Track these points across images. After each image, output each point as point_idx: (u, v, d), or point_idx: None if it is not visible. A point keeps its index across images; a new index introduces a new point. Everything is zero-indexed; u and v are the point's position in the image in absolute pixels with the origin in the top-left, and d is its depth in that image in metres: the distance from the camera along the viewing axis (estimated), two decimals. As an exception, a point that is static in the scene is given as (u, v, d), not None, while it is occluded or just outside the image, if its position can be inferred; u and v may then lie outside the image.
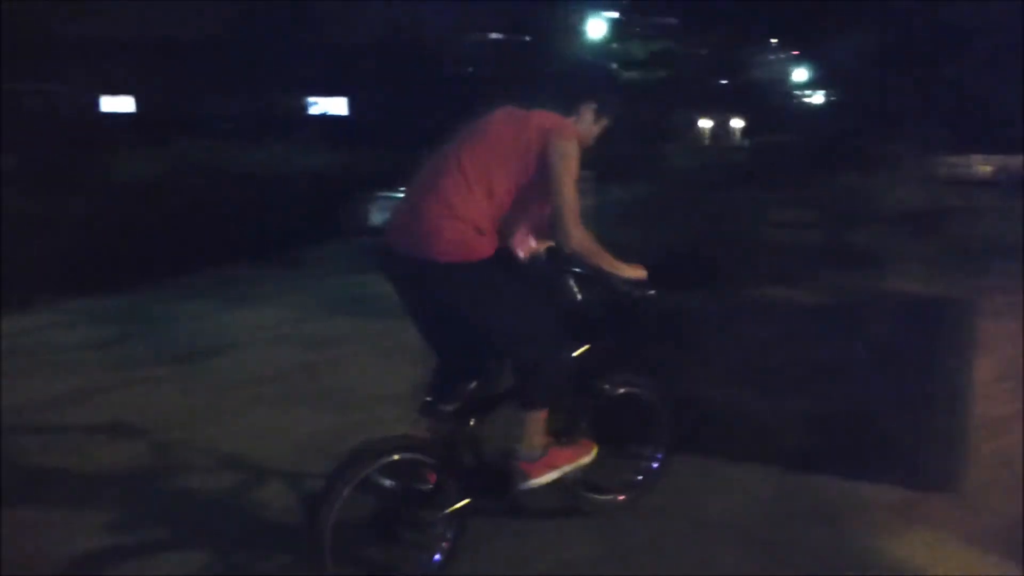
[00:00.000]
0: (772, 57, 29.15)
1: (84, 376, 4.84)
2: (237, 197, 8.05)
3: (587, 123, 2.88)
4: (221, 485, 3.42)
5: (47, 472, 3.53)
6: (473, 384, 2.89)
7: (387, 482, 2.72)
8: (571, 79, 3.14)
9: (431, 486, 2.77)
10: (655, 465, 3.33)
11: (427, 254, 2.61)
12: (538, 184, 2.68)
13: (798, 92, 31.05)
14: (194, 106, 13.93)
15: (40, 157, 7.69)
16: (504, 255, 2.80)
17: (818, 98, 29.91)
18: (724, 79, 27.43)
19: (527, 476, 2.86)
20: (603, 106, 2.88)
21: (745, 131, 27.02)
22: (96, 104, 16.41)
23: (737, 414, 3.56)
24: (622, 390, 3.18)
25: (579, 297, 2.97)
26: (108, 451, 3.73)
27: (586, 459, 2.98)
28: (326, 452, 3.25)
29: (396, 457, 2.67)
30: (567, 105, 2.87)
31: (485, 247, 2.65)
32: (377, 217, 9.18)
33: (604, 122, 2.91)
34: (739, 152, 20.12)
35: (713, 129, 27.57)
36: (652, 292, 2.86)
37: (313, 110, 20.74)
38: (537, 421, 2.86)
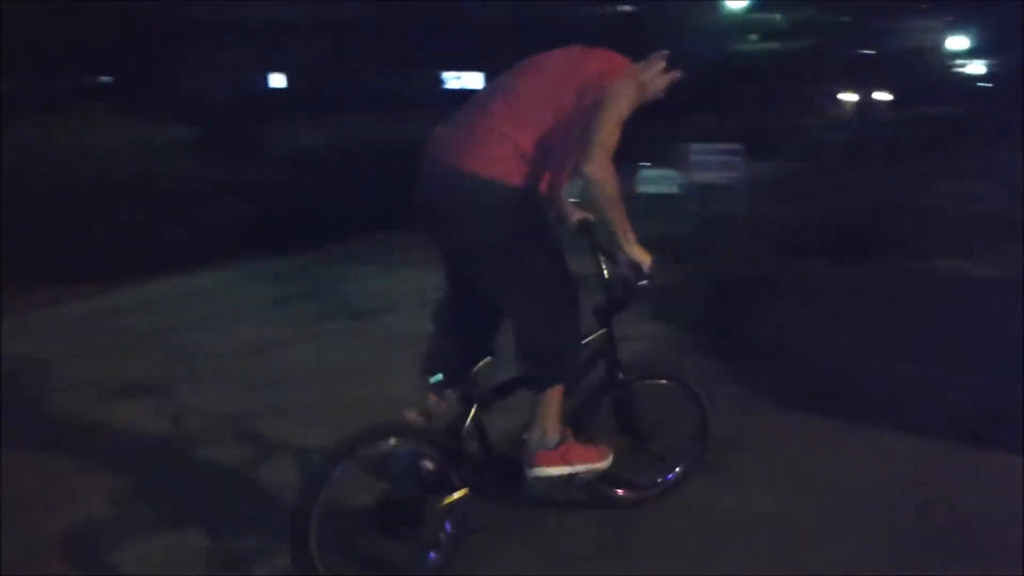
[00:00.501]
0: (923, 24, 27.44)
1: (262, 329, 5.34)
2: (395, 168, 8.52)
3: (653, 72, 2.72)
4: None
5: (237, 415, 3.95)
6: (483, 364, 2.71)
7: (383, 468, 2.56)
8: (644, 28, 3.07)
9: (431, 475, 2.59)
10: (679, 467, 3.17)
11: (466, 166, 2.44)
12: (584, 121, 2.50)
13: (952, 62, 29.15)
14: (347, 82, 14.60)
15: (220, 129, 8.38)
16: (540, 212, 2.61)
17: (976, 68, 27.94)
18: (870, 49, 26.00)
19: (537, 465, 2.67)
20: (673, 58, 2.74)
21: (893, 104, 25.52)
22: (266, 81, 17.74)
23: (909, 386, 3.55)
24: (646, 382, 3.04)
25: (605, 275, 2.82)
26: (292, 397, 4.15)
27: (601, 465, 2.78)
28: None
29: (394, 442, 2.50)
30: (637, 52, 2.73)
31: (523, 174, 2.47)
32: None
33: (674, 75, 2.75)
34: (887, 126, 19.14)
35: (860, 103, 26.15)
36: (646, 282, 2.64)
37: (453, 84, 20.92)
38: (551, 403, 2.67)
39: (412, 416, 2.73)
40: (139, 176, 6.89)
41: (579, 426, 2.81)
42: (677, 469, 3.16)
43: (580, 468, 2.72)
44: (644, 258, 2.58)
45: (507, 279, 2.54)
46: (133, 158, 7.13)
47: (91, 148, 7.08)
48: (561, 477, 2.70)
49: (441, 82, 20.81)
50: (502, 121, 2.47)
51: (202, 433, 3.71)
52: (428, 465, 2.56)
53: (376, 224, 8.14)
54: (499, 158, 2.43)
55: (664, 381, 3.10)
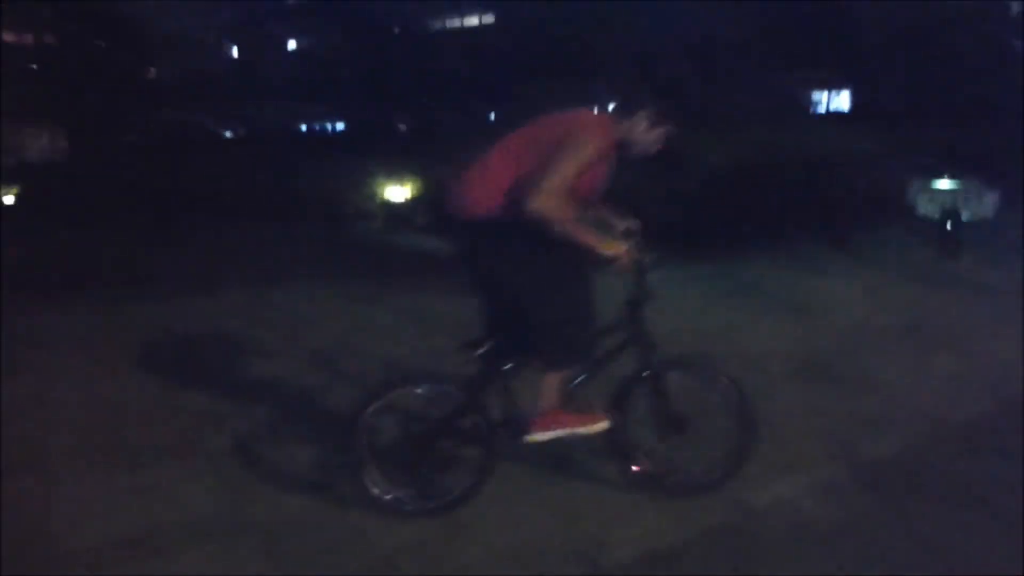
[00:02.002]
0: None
1: (721, 316, 6.22)
2: (800, 181, 8.87)
3: (637, 129, 3.10)
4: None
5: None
6: (512, 336, 3.13)
7: (417, 409, 3.14)
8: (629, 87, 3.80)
9: (456, 420, 3.16)
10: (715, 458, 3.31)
11: (466, 213, 2.99)
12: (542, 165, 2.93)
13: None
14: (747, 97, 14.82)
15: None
16: (541, 233, 2.92)
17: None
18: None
19: (529, 429, 3.16)
20: (651, 116, 3.10)
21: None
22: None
23: None
24: (669, 375, 3.25)
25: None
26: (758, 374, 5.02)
27: (592, 428, 3.18)
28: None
29: (429, 387, 3.15)
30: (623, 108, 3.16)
31: (511, 208, 2.89)
32: (923, 206, 9.76)
33: (662, 130, 3.12)
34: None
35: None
36: (617, 268, 2.99)
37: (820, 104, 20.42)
38: (552, 381, 3.14)
39: (457, 369, 3.23)
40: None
41: (575, 398, 3.20)
42: (713, 459, 3.32)
43: (569, 431, 3.17)
44: (616, 249, 2.97)
45: (514, 284, 3.05)
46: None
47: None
48: (552, 440, 3.17)
49: (814, 103, 20.53)
50: (493, 169, 2.99)
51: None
52: (456, 412, 3.14)
53: (786, 233, 8.57)
54: (485, 199, 2.96)
55: (695, 370, 3.33)
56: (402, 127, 17.95)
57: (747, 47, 15.10)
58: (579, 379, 3.19)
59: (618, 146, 3.07)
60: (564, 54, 15.68)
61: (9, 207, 17.64)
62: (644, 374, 3.23)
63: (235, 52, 33.54)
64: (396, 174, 12.60)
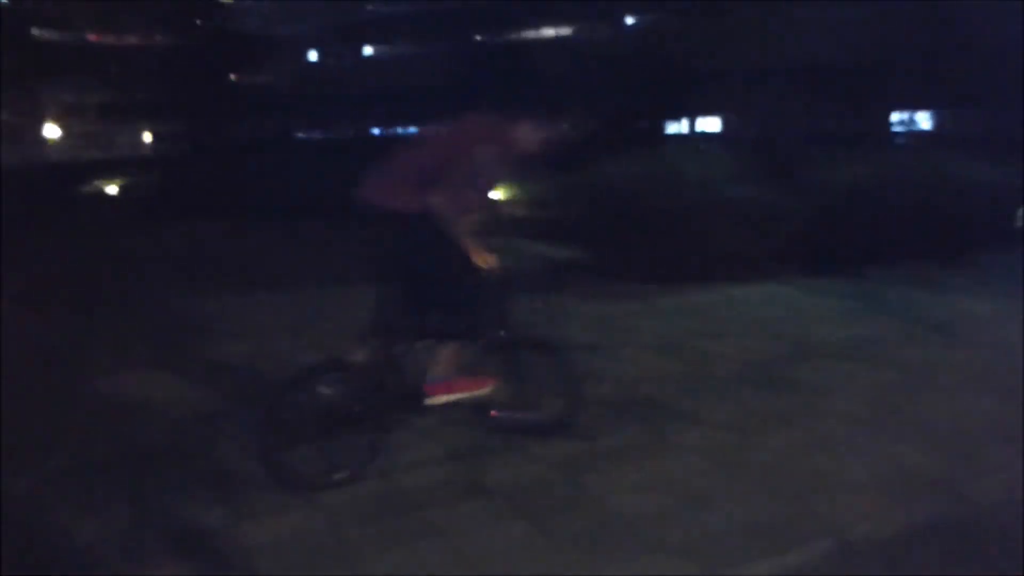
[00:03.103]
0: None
1: (857, 329, 6.26)
2: (923, 201, 8.74)
3: (523, 131, 3.70)
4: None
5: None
6: (408, 319, 3.70)
7: (324, 393, 3.59)
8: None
9: (358, 399, 3.63)
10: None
11: (385, 204, 3.54)
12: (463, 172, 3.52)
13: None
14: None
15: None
16: (437, 225, 3.53)
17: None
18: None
19: (428, 396, 3.75)
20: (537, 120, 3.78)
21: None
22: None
23: None
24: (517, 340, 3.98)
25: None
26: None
27: (482, 391, 3.84)
28: None
29: (333, 373, 3.63)
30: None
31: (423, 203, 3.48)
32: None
33: (543, 132, 3.78)
34: None
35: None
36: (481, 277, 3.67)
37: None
38: (447, 352, 3.78)
39: (355, 355, 3.70)
40: (713, 199, 8.12)
41: (467, 365, 3.84)
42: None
43: (463, 395, 3.81)
44: (487, 261, 3.65)
45: (419, 267, 3.63)
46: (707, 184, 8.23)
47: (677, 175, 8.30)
48: (449, 403, 3.79)
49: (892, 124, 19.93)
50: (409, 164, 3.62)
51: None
52: (358, 392, 3.63)
53: (907, 253, 8.62)
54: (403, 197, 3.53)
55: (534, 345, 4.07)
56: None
57: (870, 67, 14.98)
58: (468, 351, 3.82)
59: (503, 147, 3.61)
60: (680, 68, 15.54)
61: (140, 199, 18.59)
62: (506, 347, 3.93)
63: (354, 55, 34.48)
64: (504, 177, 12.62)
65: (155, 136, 21.46)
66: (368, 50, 33.71)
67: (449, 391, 3.78)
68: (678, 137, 17.37)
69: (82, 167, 22.40)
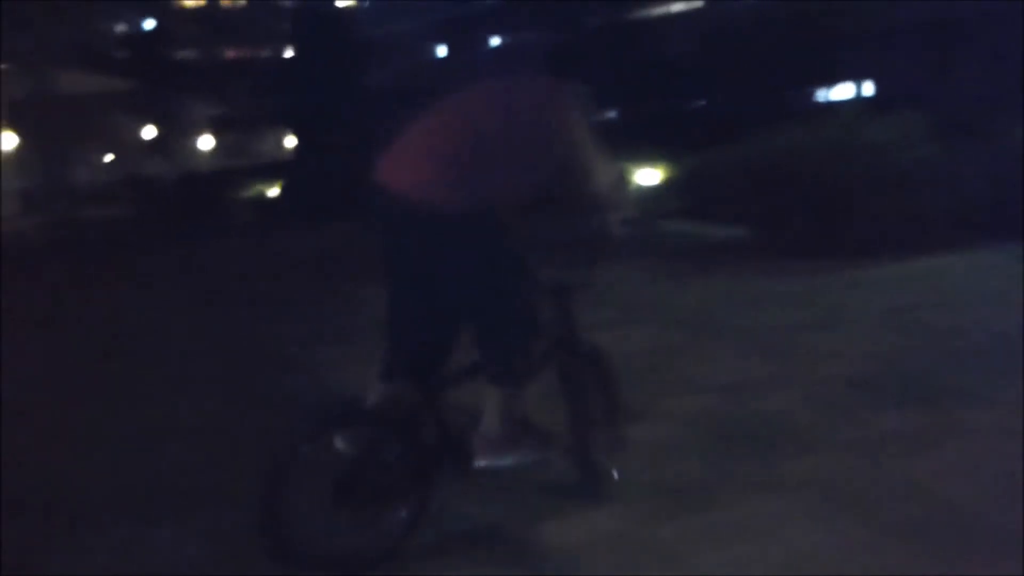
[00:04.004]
0: None
1: None
2: None
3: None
4: None
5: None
6: (441, 354, 2.83)
7: (347, 450, 2.72)
8: None
9: (391, 457, 2.74)
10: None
11: (401, 195, 2.61)
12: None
13: None
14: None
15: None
16: (486, 218, 2.66)
17: None
18: None
19: (481, 455, 2.80)
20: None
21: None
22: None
23: None
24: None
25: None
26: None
27: (546, 453, 2.92)
28: None
29: (357, 426, 2.75)
30: None
31: (458, 195, 2.59)
32: None
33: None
34: None
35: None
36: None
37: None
38: (499, 402, 2.75)
39: (377, 403, 2.85)
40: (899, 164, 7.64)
41: (527, 418, 2.86)
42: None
43: (524, 456, 2.84)
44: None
45: (459, 286, 2.70)
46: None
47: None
48: (506, 466, 2.84)
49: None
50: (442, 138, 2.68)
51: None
52: (390, 449, 2.74)
53: None
54: (431, 184, 2.61)
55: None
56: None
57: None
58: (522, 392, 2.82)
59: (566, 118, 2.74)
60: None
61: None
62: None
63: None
64: (646, 156, 12.37)
65: (297, 141, 22.45)
66: (494, 40, 33.84)
67: (504, 450, 2.82)
68: (833, 104, 16.41)
69: (232, 173, 23.75)
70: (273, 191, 21.12)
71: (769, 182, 8.08)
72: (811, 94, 17.32)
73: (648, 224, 9.15)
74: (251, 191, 21.90)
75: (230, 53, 36.48)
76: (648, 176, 12.28)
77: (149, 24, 36.75)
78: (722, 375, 4.66)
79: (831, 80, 17.36)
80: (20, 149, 28.56)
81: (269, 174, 22.10)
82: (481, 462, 2.81)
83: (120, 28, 37.63)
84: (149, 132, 35.24)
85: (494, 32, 34.15)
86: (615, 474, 3.17)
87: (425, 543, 2.90)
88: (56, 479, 3.86)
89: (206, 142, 37.48)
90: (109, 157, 35.85)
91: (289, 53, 26.76)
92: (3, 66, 25.43)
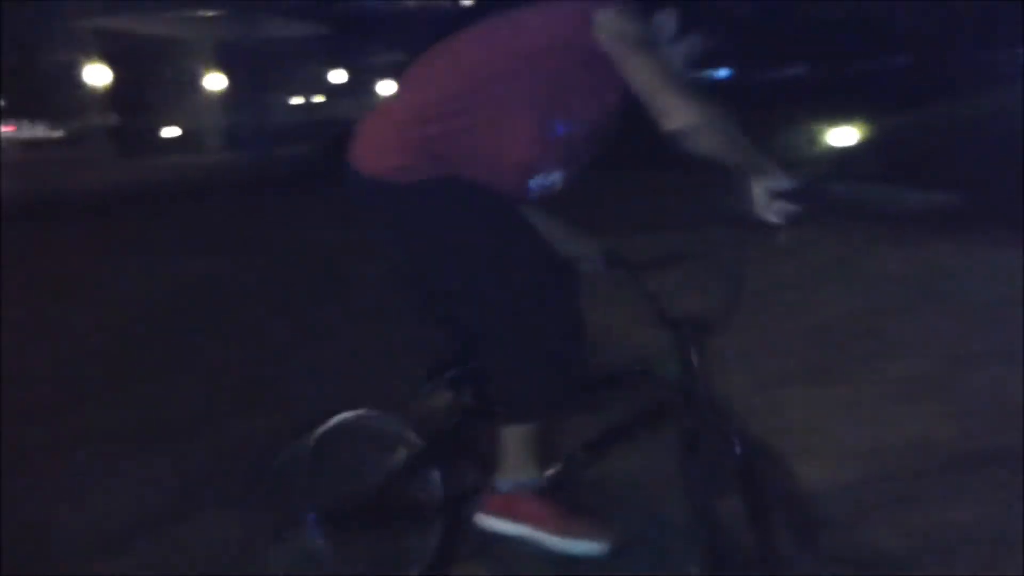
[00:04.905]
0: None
1: None
2: None
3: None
4: None
5: None
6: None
7: (372, 459, 2.13)
8: None
9: (414, 474, 2.13)
10: None
11: (369, 168, 2.00)
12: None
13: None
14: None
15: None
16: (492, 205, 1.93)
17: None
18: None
19: (482, 509, 2.04)
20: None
21: None
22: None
23: None
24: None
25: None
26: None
27: (564, 541, 1.97)
28: None
29: (383, 430, 2.14)
30: None
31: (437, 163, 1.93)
32: None
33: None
34: None
35: None
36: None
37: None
38: (515, 441, 1.97)
39: (414, 411, 2.20)
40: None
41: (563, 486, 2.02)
42: None
43: (526, 531, 1.99)
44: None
45: (460, 286, 1.98)
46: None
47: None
48: (502, 533, 2.03)
49: None
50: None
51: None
52: (416, 464, 2.14)
53: None
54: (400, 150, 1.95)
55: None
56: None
57: None
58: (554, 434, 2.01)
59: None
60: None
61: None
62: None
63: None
64: (840, 116, 11.95)
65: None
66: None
67: (509, 513, 2.02)
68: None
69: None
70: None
71: (981, 145, 7.76)
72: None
73: (839, 188, 8.79)
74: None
75: (412, 2, 37.80)
76: (845, 136, 11.84)
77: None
78: (938, 344, 4.60)
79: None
80: (227, 90, 31.18)
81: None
82: (483, 521, 2.06)
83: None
84: (339, 76, 37.44)
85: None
86: None
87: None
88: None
89: (389, 87, 39.27)
90: (299, 100, 38.38)
91: (468, 2, 27.39)
92: (217, 12, 27.64)
